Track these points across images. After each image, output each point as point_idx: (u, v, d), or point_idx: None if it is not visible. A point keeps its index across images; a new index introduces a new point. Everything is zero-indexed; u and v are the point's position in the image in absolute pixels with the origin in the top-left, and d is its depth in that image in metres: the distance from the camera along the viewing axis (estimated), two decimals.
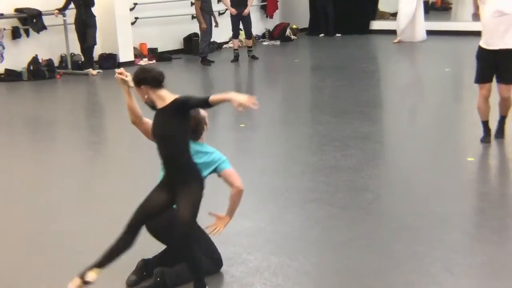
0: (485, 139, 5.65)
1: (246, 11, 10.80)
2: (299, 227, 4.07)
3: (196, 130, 3.21)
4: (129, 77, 3.20)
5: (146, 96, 3.02)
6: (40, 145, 6.46)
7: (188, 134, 3.03)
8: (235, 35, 11.12)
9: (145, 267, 3.29)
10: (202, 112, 3.30)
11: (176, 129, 2.95)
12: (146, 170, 5.46)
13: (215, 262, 3.38)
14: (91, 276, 2.99)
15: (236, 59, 11.13)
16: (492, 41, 5.40)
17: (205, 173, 3.16)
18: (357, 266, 3.50)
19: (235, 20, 11.00)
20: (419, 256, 3.58)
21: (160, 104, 3.00)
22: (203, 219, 3.25)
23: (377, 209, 4.37)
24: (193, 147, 3.15)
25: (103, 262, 3.02)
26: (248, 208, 4.11)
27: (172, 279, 3.17)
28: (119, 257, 3.04)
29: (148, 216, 3.07)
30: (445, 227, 4.03)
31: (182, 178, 2.97)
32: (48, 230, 4.13)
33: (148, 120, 3.32)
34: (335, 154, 5.56)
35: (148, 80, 2.98)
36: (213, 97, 2.84)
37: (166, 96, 2.99)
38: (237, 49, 11.17)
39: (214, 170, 3.22)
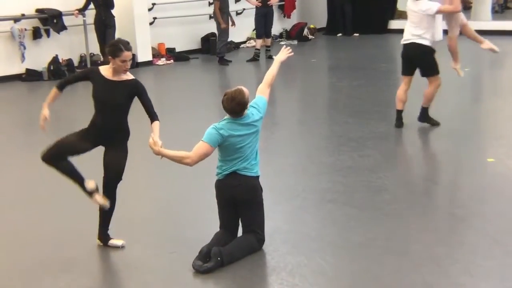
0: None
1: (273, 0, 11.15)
2: (316, 227, 4.06)
3: (241, 113, 3.59)
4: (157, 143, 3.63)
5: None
6: None
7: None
8: (259, 35, 11.15)
9: (208, 253, 3.51)
10: (247, 92, 3.60)
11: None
12: (164, 168, 5.50)
13: (259, 238, 3.66)
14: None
15: (254, 58, 11.15)
16: None
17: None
18: (375, 267, 3.49)
19: (259, 20, 11.03)
20: (438, 258, 3.55)
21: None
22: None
23: (396, 210, 4.34)
24: (239, 122, 3.59)
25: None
26: (265, 208, 4.12)
27: (228, 258, 3.50)
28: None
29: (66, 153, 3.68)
30: (464, 228, 3.99)
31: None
32: (67, 228, 4.18)
33: (196, 151, 3.60)
34: (353, 154, 5.53)
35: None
36: None
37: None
38: (258, 49, 11.19)
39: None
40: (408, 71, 6.23)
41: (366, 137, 6.05)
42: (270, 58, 11.21)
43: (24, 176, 5.45)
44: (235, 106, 3.55)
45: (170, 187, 4.99)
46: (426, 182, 4.91)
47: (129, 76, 3.73)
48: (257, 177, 3.72)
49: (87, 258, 3.73)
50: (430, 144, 5.92)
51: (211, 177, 3.76)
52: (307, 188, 4.83)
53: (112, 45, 3.68)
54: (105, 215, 3.80)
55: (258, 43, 11.25)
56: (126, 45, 3.64)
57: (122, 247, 3.80)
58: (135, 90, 3.70)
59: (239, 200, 3.64)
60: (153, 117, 3.75)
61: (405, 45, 6.12)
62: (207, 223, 3.97)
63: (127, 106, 3.75)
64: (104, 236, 3.83)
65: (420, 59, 6.08)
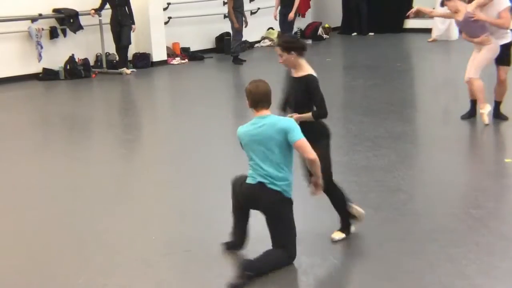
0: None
1: (290, 15, 10.69)
2: (331, 228, 4.04)
3: (266, 102, 3.54)
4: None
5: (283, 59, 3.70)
6: (76, 143, 6.61)
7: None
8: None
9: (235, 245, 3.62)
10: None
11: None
12: (179, 168, 5.53)
13: (289, 255, 3.50)
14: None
15: None
16: None
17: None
18: (391, 268, 3.47)
19: (282, 19, 10.97)
20: (454, 258, 3.51)
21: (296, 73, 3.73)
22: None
23: (411, 210, 4.31)
24: (258, 120, 3.51)
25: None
26: None
27: (256, 270, 3.37)
28: None
29: None
30: (481, 229, 3.94)
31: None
32: (84, 227, 4.22)
33: None
34: (367, 154, 5.50)
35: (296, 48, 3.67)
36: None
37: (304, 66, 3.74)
38: None
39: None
40: None
41: (381, 137, 6.01)
42: None
43: (39, 175, 5.50)
44: (262, 92, 3.50)
45: (185, 186, 5.01)
46: (441, 183, 4.87)
47: (304, 71, 3.77)
48: (280, 193, 3.53)
49: (103, 256, 3.76)
50: (445, 144, 5.86)
51: (227, 177, 3.76)
52: None
53: (299, 42, 3.78)
54: (338, 207, 3.92)
55: None
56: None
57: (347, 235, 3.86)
58: (304, 84, 3.78)
59: (259, 210, 3.55)
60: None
61: None
62: (222, 222, 3.98)
63: (307, 101, 3.82)
64: (344, 227, 3.89)
65: None
